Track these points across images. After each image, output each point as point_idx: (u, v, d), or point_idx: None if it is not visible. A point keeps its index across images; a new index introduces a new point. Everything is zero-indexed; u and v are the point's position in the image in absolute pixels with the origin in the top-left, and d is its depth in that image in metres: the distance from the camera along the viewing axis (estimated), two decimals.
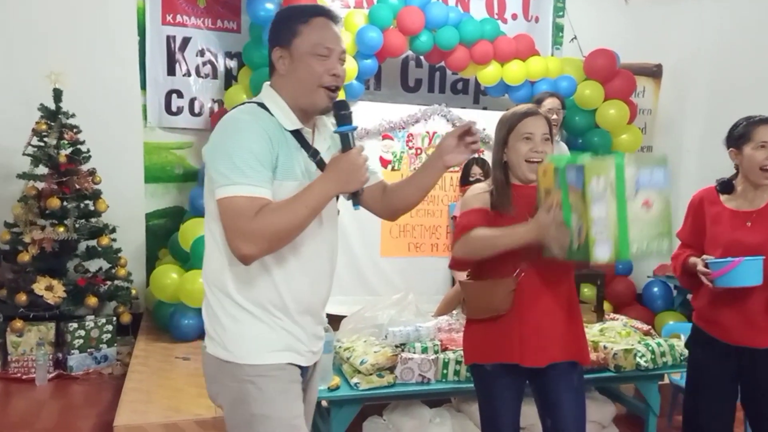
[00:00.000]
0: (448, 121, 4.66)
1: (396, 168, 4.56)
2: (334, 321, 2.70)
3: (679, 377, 3.39)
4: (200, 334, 4.25)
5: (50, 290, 3.99)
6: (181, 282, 4.13)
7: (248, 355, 1.62)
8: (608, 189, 1.74)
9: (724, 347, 2.38)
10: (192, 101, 5.06)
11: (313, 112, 1.69)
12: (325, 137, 1.76)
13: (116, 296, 4.34)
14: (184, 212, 4.94)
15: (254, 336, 1.63)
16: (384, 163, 4.55)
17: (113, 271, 4.36)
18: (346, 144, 1.61)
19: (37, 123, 4.17)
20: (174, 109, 5.02)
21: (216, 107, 5.08)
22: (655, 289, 5.25)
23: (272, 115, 1.63)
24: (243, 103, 1.71)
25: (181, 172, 5.10)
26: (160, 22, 4.92)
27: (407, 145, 4.60)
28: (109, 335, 4.17)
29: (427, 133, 4.61)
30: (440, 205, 4.53)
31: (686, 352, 3.17)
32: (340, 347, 2.93)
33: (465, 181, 4.19)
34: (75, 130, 4.27)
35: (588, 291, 4.55)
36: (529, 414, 2.43)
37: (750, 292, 2.28)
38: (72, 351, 4.03)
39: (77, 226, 4.18)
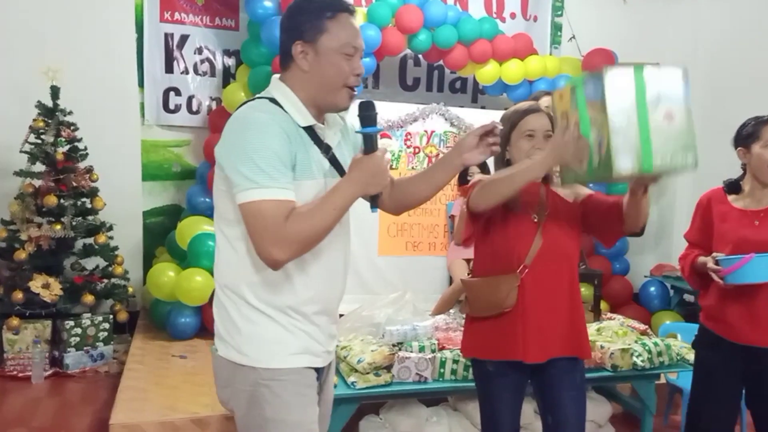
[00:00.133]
0: (446, 120, 4.66)
1: (394, 167, 4.55)
2: None
3: (675, 377, 3.40)
4: (197, 333, 4.29)
5: (47, 288, 3.98)
6: (178, 280, 4.12)
7: (264, 358, 1.58)
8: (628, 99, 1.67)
9: (732, 347, 2.37)
10: (190, 99, 5.05)
11: (331, 110, 1.66)
12: (335, 132, 1.70)
13: (113, 294, 4.33)
14: (182, 210, 4.94)
15: (271, 339, 1.59)
16: None
17: (110, 269, 4.35)
18: (370, 146, 1.57)
19: (34, 120, 4.16)
20: (172, 106, 5.01)
21: (214, 105, 5.07)
22: (652, 289, 5.26)
23: (285, 111, 1.57)
24: (252, 99, 1.63)
25: (179, 170, 5.09)
26: (158, 20, 4.91)
27: (405, 144, 4.60)
28: (105, 333, 4.16)
29: (426, 131, 4.61)
30: (438, 204, 4.53)
31: (683, 351, 3.19)
32: (337, 346, 2.92)
33: (463, 181, 4.18)
34: (72, 128, 4.26)
35: (585, 290, 4.53)
36: (527, 413, 2.44)
37: (758, 290, 2.28)
38: (68, 349, 4.02)
39: (74, 223, 4.17)
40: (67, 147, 4.21)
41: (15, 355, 3.95)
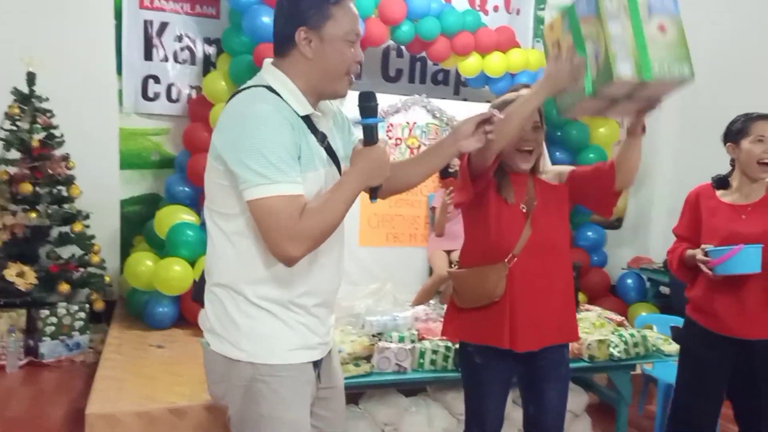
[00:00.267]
0: (428, 111, 4.65)
1: None
2: None
3: (651, 367, 3.45)
4: (175, 323, 4.25)
5: (21, 276, 3.92)
6: (155, 269, 4.08)
7: (263, 354, 1.56)
8: (622, 9, 1.71)
9: (719, 339, 2.39)
10: (169, 87, 4.99)
11: (330, 98, 1.64)
12: (327, 119, 1.67)
13: (89, 283, 4.28)
14: (160, 199, 4.88)
15: (269, 334, 1.56)
16: None
17: (86, 257, 4.30)
18: (371, 137, 1.55)
19: (9, 107, 4.10)
20: (151, 94, 4.95)
21: (194, 93, 5.01)
22: (629, 281, 5.34)
23: (283, 100, 1.53)
24: (247, 87, 1.58)
25: (158, 159, 5.03)
26: (137, 6, 4.84)
27: (387, 135, 4.59)
28: (81, 323, 4.11)
29: (407, 123, 4.60)
30: (419, 196, 4.52)
31: (658, 343, 3.24)
32: None
33: (445, 174, 4.19)
34: (48, 115, 4.20)
35: None
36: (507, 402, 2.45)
37: (746, 282, 2.30)
38: (43, 338, 3.97)
39: (50, 211, 4.12)
40: (43, 134, 4.15)
41: None
